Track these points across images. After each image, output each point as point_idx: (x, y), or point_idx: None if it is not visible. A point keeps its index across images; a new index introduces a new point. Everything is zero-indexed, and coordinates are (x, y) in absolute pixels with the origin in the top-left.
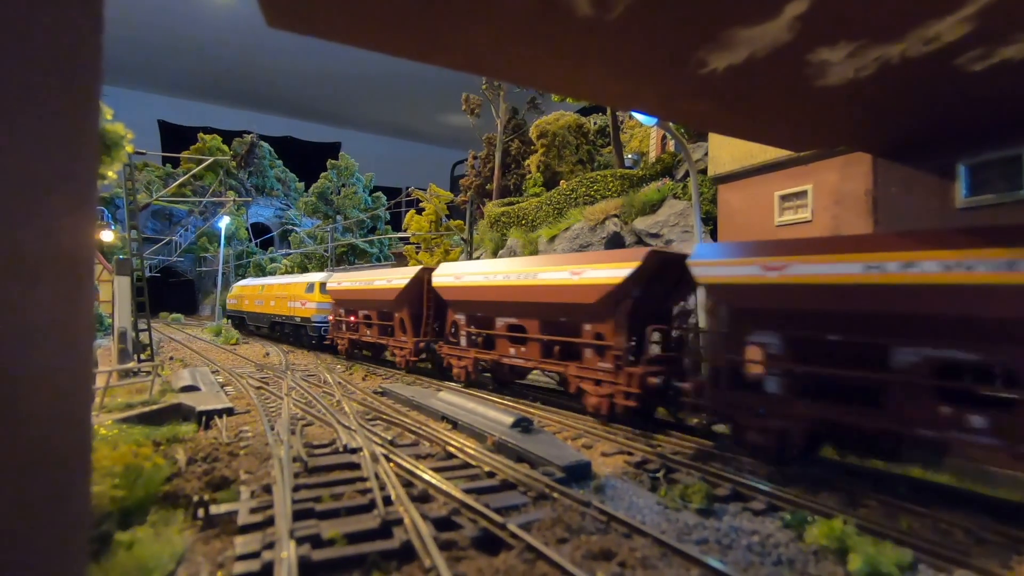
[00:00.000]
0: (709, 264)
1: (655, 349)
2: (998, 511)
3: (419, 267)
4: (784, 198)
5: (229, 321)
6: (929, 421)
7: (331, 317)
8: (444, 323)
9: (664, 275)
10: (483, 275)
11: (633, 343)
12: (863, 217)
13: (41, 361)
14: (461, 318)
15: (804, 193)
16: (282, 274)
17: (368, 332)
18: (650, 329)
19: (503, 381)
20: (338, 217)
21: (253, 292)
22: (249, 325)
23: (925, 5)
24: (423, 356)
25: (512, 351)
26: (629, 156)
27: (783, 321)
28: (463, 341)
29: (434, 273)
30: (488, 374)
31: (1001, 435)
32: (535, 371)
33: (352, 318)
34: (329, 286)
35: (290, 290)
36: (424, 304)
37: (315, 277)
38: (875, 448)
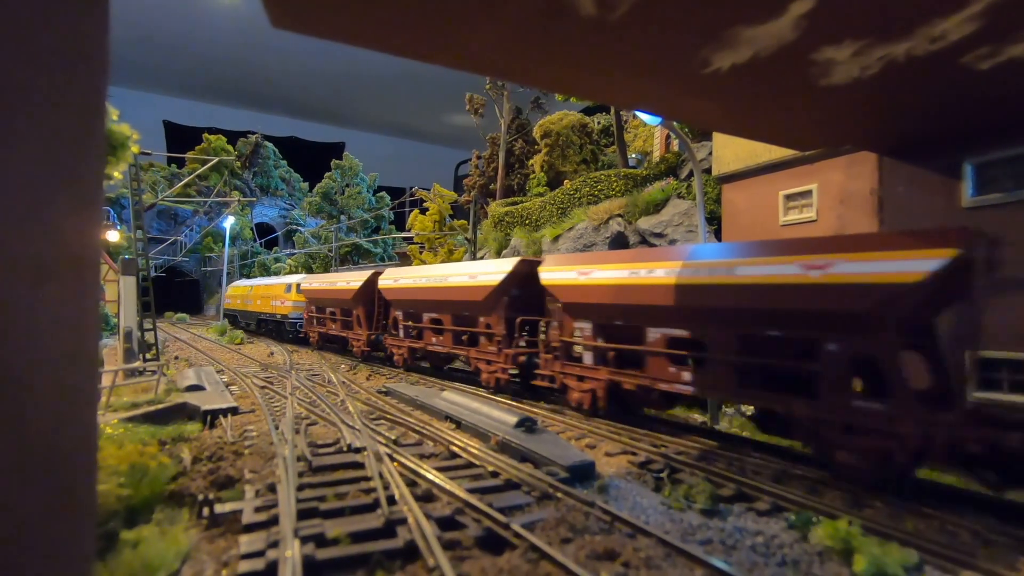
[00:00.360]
0: (548, 270)
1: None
2: (1004, 512)
3: (371, 271)
4: (789, 197)
5: (226, 319)
6: (664, 377)
7: (304, 314)
8: (386, 319)
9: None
10: (411, 278)
11: (525, 333)
12: (868, 216)
13: (48, 360)
14: (399, 314)
15: (809, 192)
16: (286, 274)
17: (333, 326)
18: (519, 320)
19: (436, 365)
20: (342, 217)
21: (244, 292)
22: (240, 322)
23: (931, 3)
24: (376, 347)
25: (434, 340)
26: (633, 156)
27: (591, 312)
28: (401, 333)
29: (380, 276)
30: (424, 362)
31: (695, 383)
32: (455, 355)
33: (320, 315)
34: (303, 286)
35: (272, 291)
36: (375, 303)
37: (292, 279)
38: (644, 400)
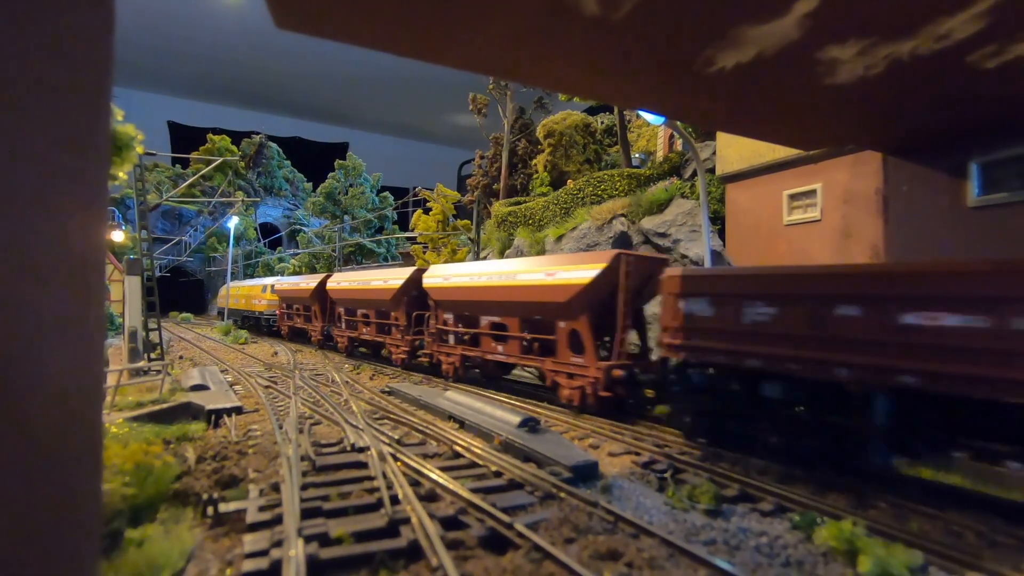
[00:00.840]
0: (427, 276)
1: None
2: (1011, 513)
3: (324, 274)
4: (793, 197)
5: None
6: (490, 351)
7: (277, 310)
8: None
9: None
10: (348, 281)
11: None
12: (873, 216)
13: (53, 360)
14: (449, 317)
15: (813, 192)
16: (289, 274)
17: (298, 320)
18: (415, 314)
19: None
20: (346, 217)
21: (234, 292)
22: (230, 318)
23: (937, 1)
24: (327, 336)
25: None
26: (636, 156)
27: (451, 306)
28: (343, 324)
29: (329, 280)
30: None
31: (504, 353)
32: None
33: (288, 311)
34: (276, 287)
35: (253, 291)
36: (327, 300)
37: (268, 281)
38: (483, 368)
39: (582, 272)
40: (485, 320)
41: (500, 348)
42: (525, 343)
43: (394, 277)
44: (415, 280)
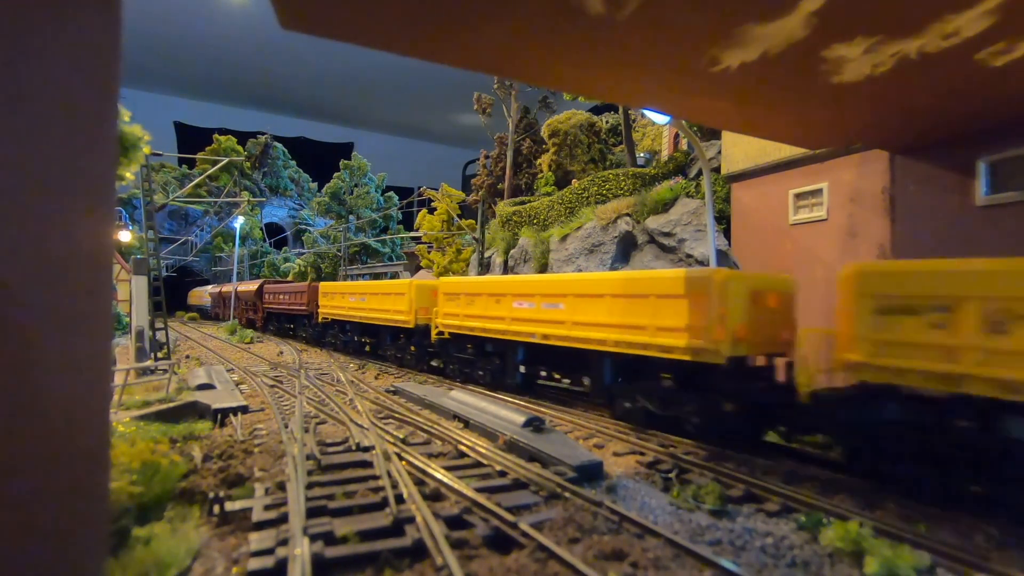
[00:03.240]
0: (322, 287)
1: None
2: (1018, 514)
3: (261, 279)
4: (799, 196)
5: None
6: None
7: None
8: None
9: None
10: (273, 285)
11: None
12: (880, 215)
13: (62, 358)
14: (259, 301)
15: (819, 191)
16: (295, 275)
17: (249, 312)
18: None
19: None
20: (351, 217)
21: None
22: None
23: None
24: (265, 319)
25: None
26: (641, 155)
27: (270, 298)
28: (258, 311)
29: (265, 284)
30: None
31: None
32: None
33: (240, 303)
34: (237, 288)
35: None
36: (262, 297)
37: (231, 284)
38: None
39: None
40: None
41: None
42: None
43: (298, 288)
44: (314, 288)
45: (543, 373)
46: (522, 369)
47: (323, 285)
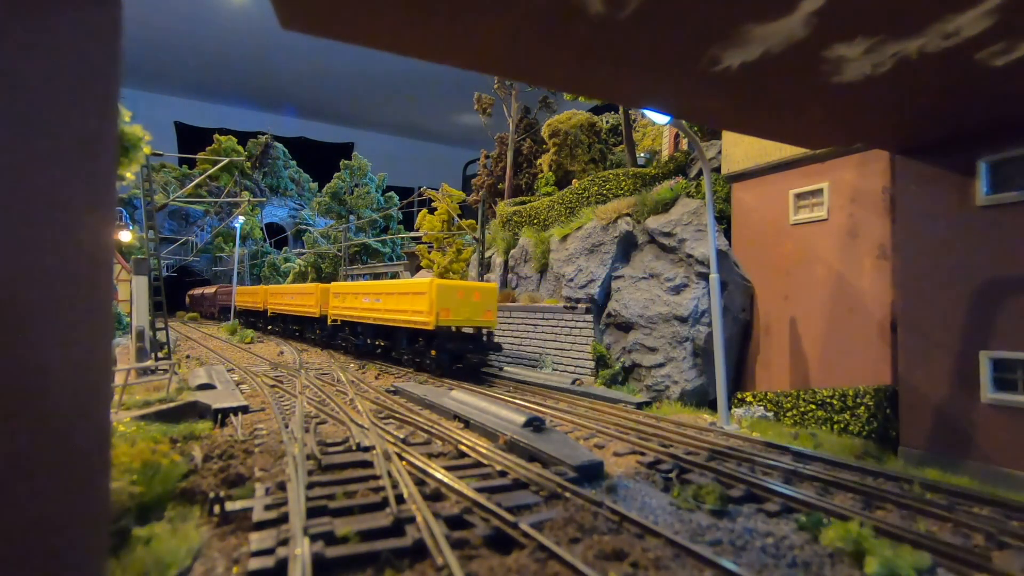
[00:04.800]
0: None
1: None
2: (1020, 514)
3: (219, 285)
4: (799, 196)
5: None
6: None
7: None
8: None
9: None
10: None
11: None
12: (880, 215)
13: (62, 358)
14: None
15: (820, 191)
16: (295, 274)
17: (215, 307)
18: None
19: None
20: (351, 217)
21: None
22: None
23: None
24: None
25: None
26: (641, 155)
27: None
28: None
29: (219, 287)
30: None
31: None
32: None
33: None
34: (218, 289)
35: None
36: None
37: (214, 287)
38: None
39: None
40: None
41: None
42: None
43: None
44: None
45: (378, 342)
46: (368, 340)
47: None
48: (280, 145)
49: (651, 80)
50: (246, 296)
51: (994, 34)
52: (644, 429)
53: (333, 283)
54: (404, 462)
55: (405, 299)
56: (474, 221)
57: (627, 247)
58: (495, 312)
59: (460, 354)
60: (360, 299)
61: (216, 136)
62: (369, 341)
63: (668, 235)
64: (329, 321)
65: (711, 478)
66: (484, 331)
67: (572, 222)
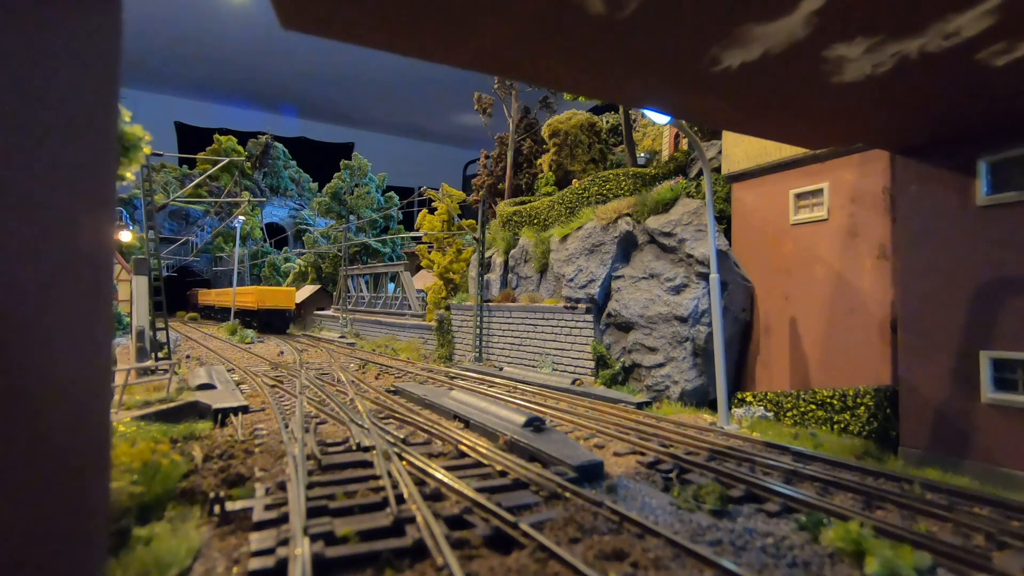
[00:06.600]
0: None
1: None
2: (1020, 514)
3: (196, 288)
4: (799, 196)
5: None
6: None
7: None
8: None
9: None
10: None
11: None
12: (880, 215)
13: (62, 358)
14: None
15: (820, 191)
16: (295, 275)
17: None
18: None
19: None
20: (351, 217)
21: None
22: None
23: None
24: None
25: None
26: (641, 155)
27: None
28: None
29: (200, 291)
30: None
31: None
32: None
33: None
34: (199, 292)
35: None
36: (196, 295)
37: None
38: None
39: None
40: None
41: None
42: None
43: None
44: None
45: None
46: (247, 317)
47: (240, 289)
48: (280, 145)
49: (651, 80)
50: (218, 296)
51: (994, 34)
52: (644, 429)
53: (239, 287)
54: (404, 462)
55: (249, 296)
56: (474, 221)
57: (627, 247)
58: (292, 301)
59: (268, 320)
60: (247, 296)
61: (216, 136)
62: (247, 318)
63: (668, 235)
64: (238, 308)
65: (711, 478)
66: (287, 311)
67: (572, 222)
